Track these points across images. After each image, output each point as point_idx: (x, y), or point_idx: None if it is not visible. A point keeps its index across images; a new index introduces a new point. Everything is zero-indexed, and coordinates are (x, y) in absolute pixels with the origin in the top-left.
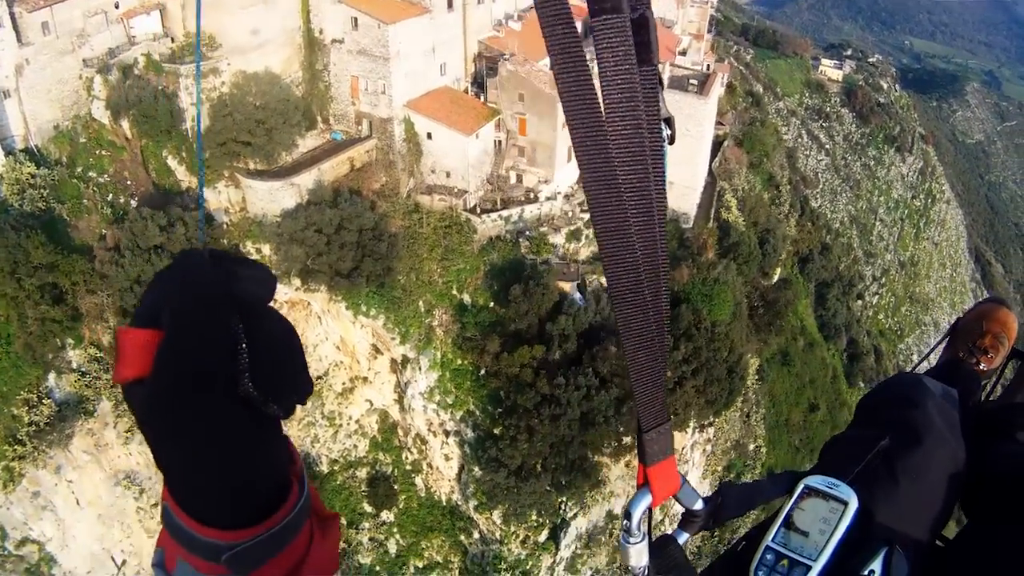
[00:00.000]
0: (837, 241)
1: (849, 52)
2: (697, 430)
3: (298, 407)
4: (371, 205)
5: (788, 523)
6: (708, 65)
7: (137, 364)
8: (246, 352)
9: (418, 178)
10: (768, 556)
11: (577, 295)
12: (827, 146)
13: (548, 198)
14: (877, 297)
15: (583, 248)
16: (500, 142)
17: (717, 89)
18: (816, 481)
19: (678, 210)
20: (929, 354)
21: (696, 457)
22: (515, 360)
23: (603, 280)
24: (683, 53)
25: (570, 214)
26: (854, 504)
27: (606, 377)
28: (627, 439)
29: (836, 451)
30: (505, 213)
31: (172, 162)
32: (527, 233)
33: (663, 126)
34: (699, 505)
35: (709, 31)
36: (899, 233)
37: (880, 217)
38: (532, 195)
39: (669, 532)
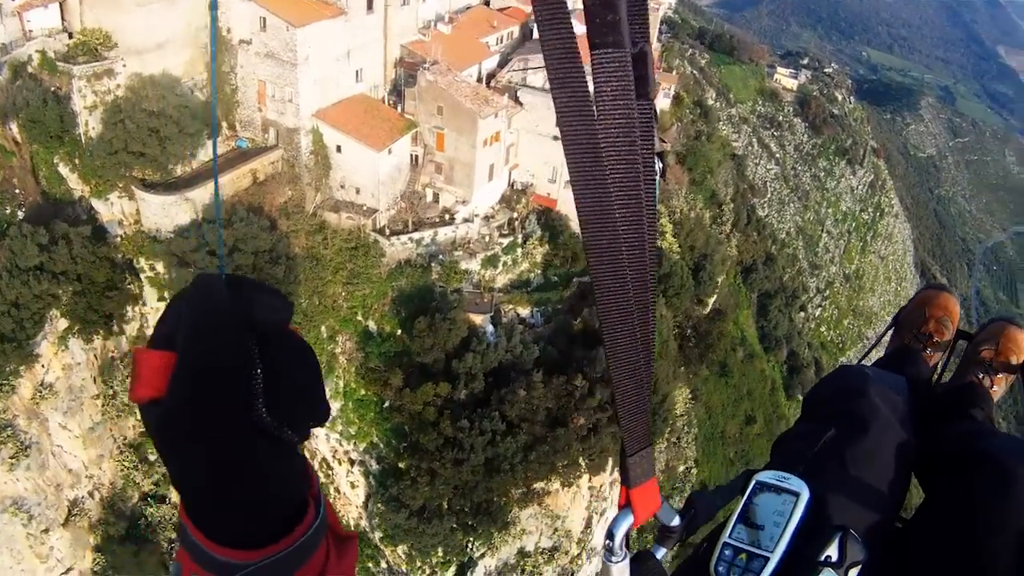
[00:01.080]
0: (783, 252)
1: (806, 61)
2: (616, 468)
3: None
4: (272, 223)
5: (744, 519)
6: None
7: (153, 385)
8: (261, 378)
9: (326, 193)
10: (727, 552)
11: (489, 328)
12: (777, 155)
13: (465, 220)
14: (820, 309)
15: (500, 275)
16: (417, 157)
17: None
18: (767, 476)
19: None
20: (873, 347)
21: (615, 495)
22: (418, 397)
23: (519, 311)
24: None
25: (488, 238)
26: (805, 494)
27: (513, 421)
28: (538, 484)
29: (785, 446)
30: (416, 236)
31: (64, 170)
32: (440, 257)
33: (656, 159)
34: (676, 521)
35: (659, 38)
36: (845, 246)
37: (827, 229)
38: (448, 216)
39: (647, 549)
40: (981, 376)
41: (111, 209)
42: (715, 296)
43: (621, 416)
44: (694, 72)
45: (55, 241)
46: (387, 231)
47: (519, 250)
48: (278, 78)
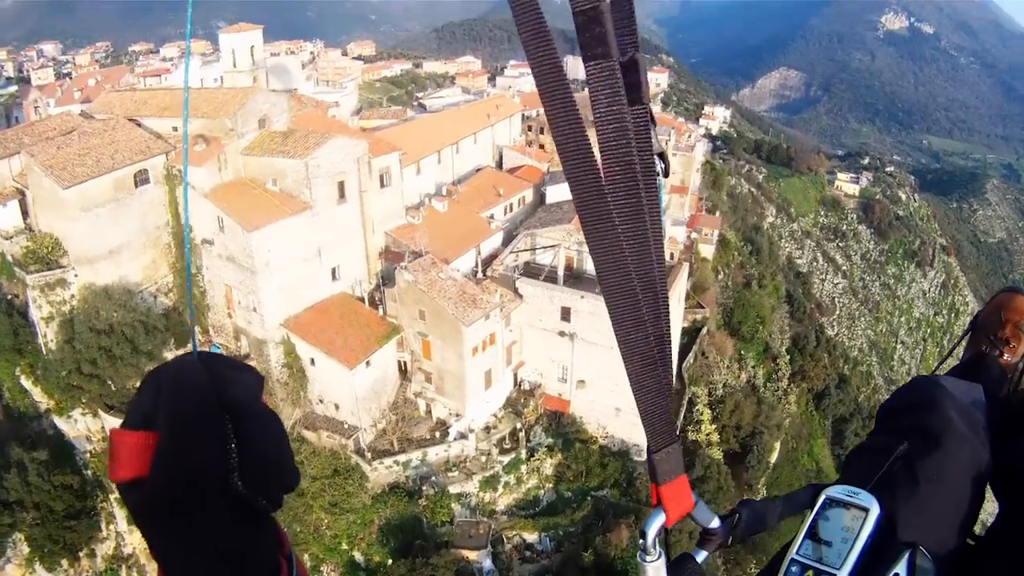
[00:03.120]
0: (855, 371)
1: (866, 160)
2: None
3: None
4: None
5: (812, 535)
6: (672, 255)
7: (131, 466)
8: (235, 452)
9: (305, 407)
10: (793, 568)
11: (487, 564)
12: (844, 268)
13: (460, 436)
14: None
15: (501, 497)
16: (405, 363)
17: (682, 284)
18: (836, 491)
19: (628, 441)
20: (947, 356)
21: None
22: None
23: (525, 536)
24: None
25: (486, 457)
26: (875, 510)
27: None
28: None
29: (857, 461)
30: (403, 458)
31: (27, 383)
32: (433, 479)
33: (656, 160)
34: (715, 523)
35: (712, 155)
36: (922, 354)
37: (901, 339)
38: (442, 430)
39: (687, 551)
40: None
41: (75, 427)
42: (764, 477)
43: (642, 412)
44: (751, 190)
45: (7, 468)
46: (368, 453)
47: (524, 466)
48: (241, 284)
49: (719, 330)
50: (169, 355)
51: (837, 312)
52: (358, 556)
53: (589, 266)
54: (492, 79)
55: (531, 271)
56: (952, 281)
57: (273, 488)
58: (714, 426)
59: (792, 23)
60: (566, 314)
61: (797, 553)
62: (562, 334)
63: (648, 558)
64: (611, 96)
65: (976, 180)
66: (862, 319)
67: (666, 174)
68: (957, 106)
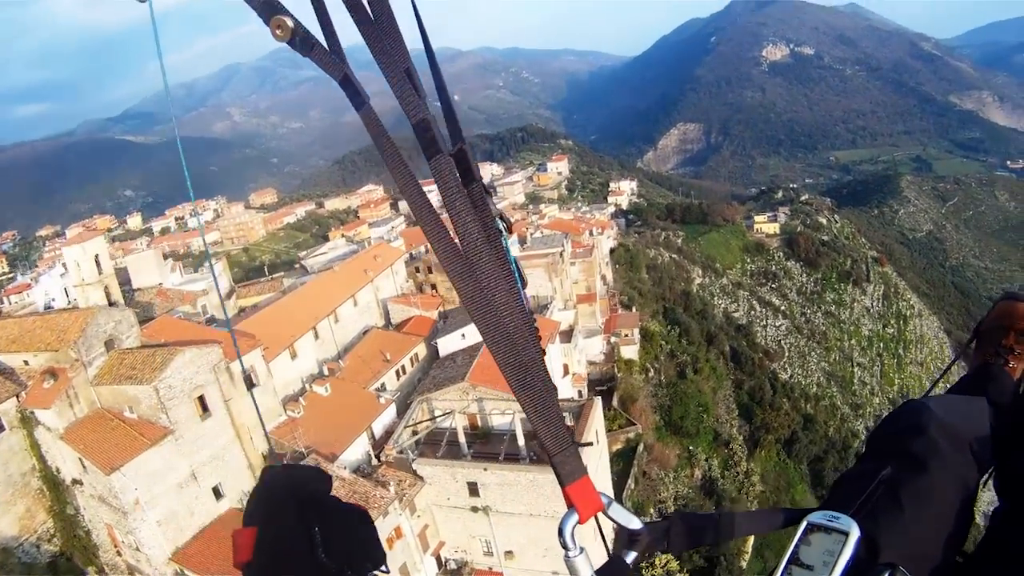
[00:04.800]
0: (819, 407)
1: (780, 194)
2: None
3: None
4: None
5: (794, 560)
6: (579, 392)
7: (244, 551)
8: (319, 533)
9: None
10: None
11: None
12: (783, 308)
13: None
14: None
15: None
16: None
17: (598, 419)
18: (817, 516)
19: None
20: (941, 377)
21: None
22: None
23: None
24: (568, 334)
25: None
26: (855, 534)
27: None
28: None
29: (840, 487)
30: None
31: None
32: None
33: (498, 220)
34: (636, 525)
35: (626, 231)
36: (880, 370)
37: (856, 361)
38: None
39: (616, 552)
40: None
41: None
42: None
43: (533, 421)
44: (673, 257)
45: None
46: None
47: None
48: (118, 523)
49: (659, 441)
50: None
51: (787, 355)
52: None
53: (496, 421)
54: (395, 204)
55: (435, 439)
56: (892, 289)
57: (357, 561)
58: (676, 562)
59: (678, 79)
60: (474, 489)
61: None
62: (475, 509)
63: (570, 553)
64: (450, 181)
65: (891, 182)
66: (813, 354)
67: (509, 230)
68: (854, 116)
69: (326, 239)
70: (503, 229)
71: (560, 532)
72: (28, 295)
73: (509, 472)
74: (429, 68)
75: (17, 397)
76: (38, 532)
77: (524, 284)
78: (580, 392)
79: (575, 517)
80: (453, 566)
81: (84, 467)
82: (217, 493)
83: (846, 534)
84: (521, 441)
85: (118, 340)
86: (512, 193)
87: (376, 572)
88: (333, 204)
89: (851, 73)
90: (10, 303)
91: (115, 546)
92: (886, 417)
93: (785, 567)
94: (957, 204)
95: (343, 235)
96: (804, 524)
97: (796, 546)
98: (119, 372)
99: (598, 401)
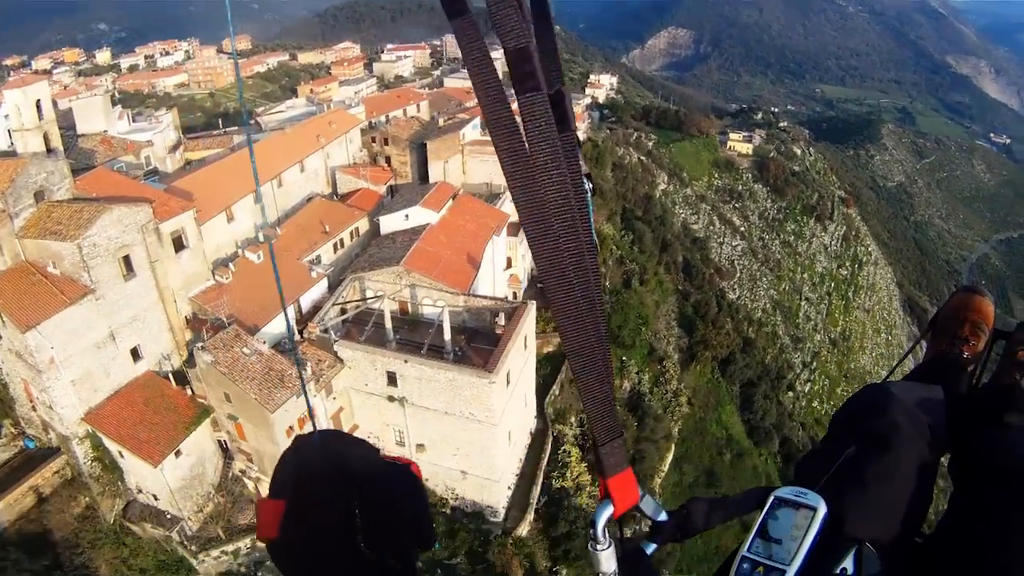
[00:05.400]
0: (760, 332)
1: (760, 115)
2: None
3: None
4: (67, 543)
5: (762, 533)
6: (514, 293)
7: (270, 527)
8: (359, 517)
9: (127, 496)
10: (744, 565)
11: None
12: (742, 229)
13: None
14: (809, 384)
15: None
16: (224, 441)
17: (530, 325)
18: (785, 492)
19: (480, 503)
20: (900, 362)
21: None
22: None
23: None
24: (517, 227)
25: None
26: (822, 509)
27: None
28: None
29: (807, 465)
30: (231, 547)
31: None
32: (267, 563)
33: (584, 180)
34: (663, 517)
35: (601, 125)
36: (827, 309)
37: (805, 296)
38: None
39: (637, 542)
40: (1019, 377)
41: None
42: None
43: (587, 409)
44: (641, 159)
45: None
46: (193, 546)
47: None
48: (33, 380)
49: None
50: None
51: (738, 275)
52: None
53: (427, 310)
54: (369, 65)
55: (363, 319)
56: (853, 232)
57: (402, 546)
58: (584, 464)
59: None
60: (392, 378)
61: (748, 551)
62: (391, 399)
63: (598, 547)
64: (543, 125)
65: (871, 126)
66: (764, 280)
67: (593, 192)
68: (848, 54)
69: (295, 93)
70: (587, 190)
71: (592, 524)
72: None
73: (429, 368)
74: None
75: None
76: None
77: (597, 253)
78: (515, 293)
79: (610, 509)
80: None
81: (3, 321)
82: (136, 355)
83: (814, 510)
84: (447, 336)
85: (49, 192)
86: None
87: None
88: (307, 57)
89: (853, 12)
90: None
91: (30, 401)
92: (849, 399)
93: (752, 539)
94: (933, 163)
95: (311, 90)
96: (772, 499)
97: (764, 520)
98: (45, 226)
99: (532, 306)
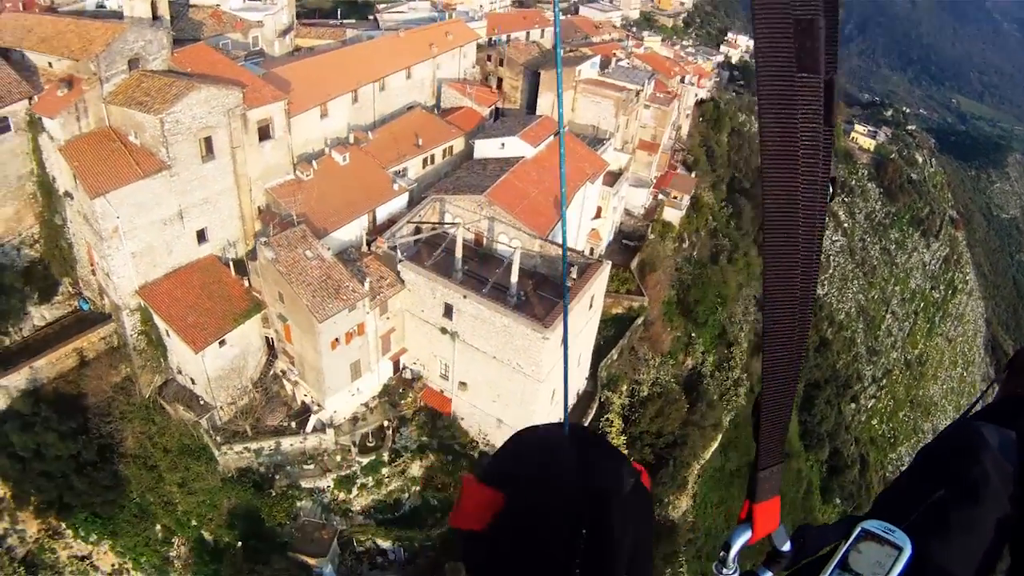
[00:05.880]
0: (839, 336)
1: (890, 112)
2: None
3: None
4: (102, 410)
5: (843, 564)
6: (591, 249)
7: (474, 519)
8: (585, 540)
9: (167, 374)
10: None
11: (327, 570)
12: (846, 224)
13: (316, 429)
14: (874, 400)
15: (358, 498)
16: (271, 339)
17: (600, 287)
18: (873, 525)
19: None
20: (979, 399)
21: None
22: None
23: (379, 541)
24: (615, 178)
25: (341, 455)
26: (908, 550)
27: None
28: None
29: (893, 497)
30: (254, 445)
31: None
32: (287, 469)
33: (830, 184)
34: (787, 547)
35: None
36: (910, 328)
37: (892, 309)
38: (301, 419)
39: (754, 571)
40: None
41: None
42: (687, 496)
43: (764, 428)
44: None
45: None
46: (218, 437)
47: (385, 469)
48: (96, 246)
49: (664, 316)
50: (32, 311)
51: (830, 271)
52: (207, 535)
53: (500, 246)
54: None
55: (435, 241)
56: (956, 256)
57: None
58: (624, 437)
59: None
60: (449, 311)
61: None
62: (444, 331)
63: (725, 571)
64: (812, 112)
65: (999, 151)
66: (855, 282)
67: (831, 198)
68: (992, 70)
69: None
70: (828, 194)
71: (726, 546)
72: None
73: (486, 309)
74: None
75: (30, 100)
76: (22, 236)
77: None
78: (592, 249)
79: (748, 534)
80: (409, 375)
81: (76, 183)
82: (201, 237)
83: (899, 549)
84: (514, 279)
85: (144, 60)
86: (628, 6)
87: None
88: None
89: (1008, 28)
90: None
91: (91, 265)
92: (941, 435)
93: (833, 570)
94: None
95: None
96: (858, 530)
97: (847, 552)
98: (132, 96)
99: (606, 266)
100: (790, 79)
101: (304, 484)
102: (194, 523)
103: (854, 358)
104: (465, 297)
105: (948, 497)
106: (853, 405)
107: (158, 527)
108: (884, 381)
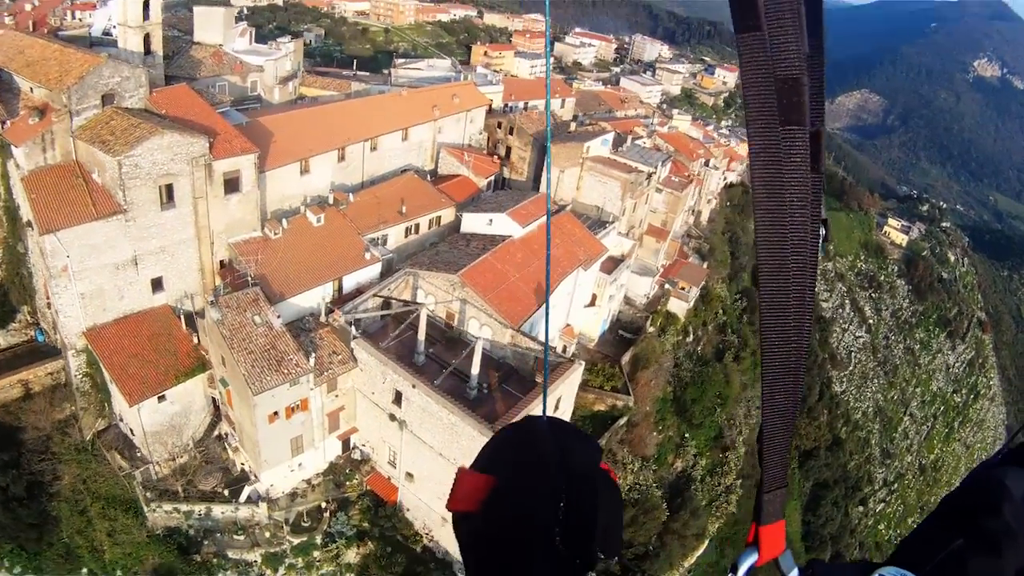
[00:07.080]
0: (853, 435)
1: (925, 208)
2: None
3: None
4: (46, 441)
5: None
6: (564, 347)
7: (468, 501)
8: (563, 512)
9: (111, 419)
10: None
11: None
12: (871, 320)
13: (251, 500)
14: (883, 504)
15: None
16: (216, 400)
17: (572, 384)
18: (891, 572)
19: (453, 555)
20: (1010, 440)
21: None
22: None
23: None
24: (615, 264)
25: (273, 532)
26: None
27: None
28: None
29: (913, 545)
30: (185, 508)
31: None
32: (218, 536)
33: (821, 226)
34: (795, 573)
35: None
36: (928, 432)
37: (911, 411)
38: (236, 487)
39: None
40: None
41: None
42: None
43: (767, 453)
44: None
45: None
46: (148, 494)
47: (317, 552)
48: (48, 282)
49: (654, 416)
50: None
51: (851, 368)
52: None
53: (471, 327)
54: (551, 43)
55: (403, 317)
56: (981, 360)
57: (592, 550)
58: None
59: (883, 46)
60: (399, 398)
61: None
62: (393, 418)
63: None
64: (799, 163)
65: None
66: (875, 381)
67: (826, 240)
68: None
69: (468, 50)
70: (821, 235)
71: (733, 569)
72: (91, 15)
73: (434, 403)
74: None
75: (3, 124)
76: None
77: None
78: (566, 347)
79: (754, 557)
80: (359, 455)
81: (33, 215)
82: (156, 285)
83: None
84: (475, 370)
85: (120, 97)
86: (670, 82)
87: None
88: (493, 19)
89: None
90: (74, 18)
91: (47, 298)
92: (965, 482)
93: None
94: None
95: (486, 52)
96: (875, 575)
97: None
98: (98, 133)
99: (579, 369)
100: (775, 131)
101: (231, 555)
102: (119, 574)
103: (867, 459)
104: (414, 386)
105: (967, 547)
106: (861, 508)
107: (84, 571)
108: (896, 485)
